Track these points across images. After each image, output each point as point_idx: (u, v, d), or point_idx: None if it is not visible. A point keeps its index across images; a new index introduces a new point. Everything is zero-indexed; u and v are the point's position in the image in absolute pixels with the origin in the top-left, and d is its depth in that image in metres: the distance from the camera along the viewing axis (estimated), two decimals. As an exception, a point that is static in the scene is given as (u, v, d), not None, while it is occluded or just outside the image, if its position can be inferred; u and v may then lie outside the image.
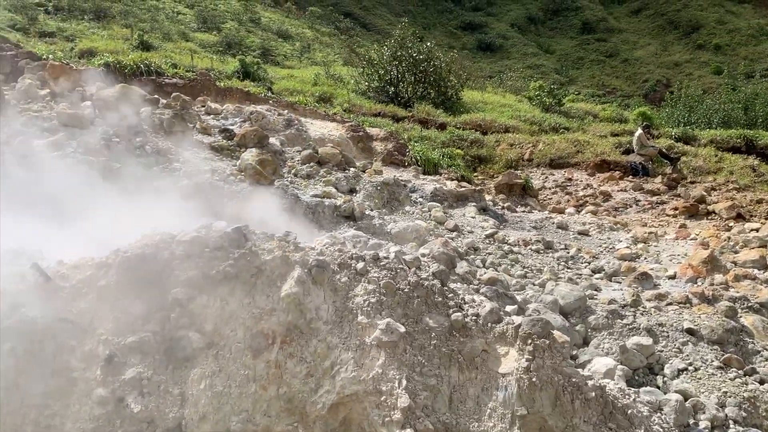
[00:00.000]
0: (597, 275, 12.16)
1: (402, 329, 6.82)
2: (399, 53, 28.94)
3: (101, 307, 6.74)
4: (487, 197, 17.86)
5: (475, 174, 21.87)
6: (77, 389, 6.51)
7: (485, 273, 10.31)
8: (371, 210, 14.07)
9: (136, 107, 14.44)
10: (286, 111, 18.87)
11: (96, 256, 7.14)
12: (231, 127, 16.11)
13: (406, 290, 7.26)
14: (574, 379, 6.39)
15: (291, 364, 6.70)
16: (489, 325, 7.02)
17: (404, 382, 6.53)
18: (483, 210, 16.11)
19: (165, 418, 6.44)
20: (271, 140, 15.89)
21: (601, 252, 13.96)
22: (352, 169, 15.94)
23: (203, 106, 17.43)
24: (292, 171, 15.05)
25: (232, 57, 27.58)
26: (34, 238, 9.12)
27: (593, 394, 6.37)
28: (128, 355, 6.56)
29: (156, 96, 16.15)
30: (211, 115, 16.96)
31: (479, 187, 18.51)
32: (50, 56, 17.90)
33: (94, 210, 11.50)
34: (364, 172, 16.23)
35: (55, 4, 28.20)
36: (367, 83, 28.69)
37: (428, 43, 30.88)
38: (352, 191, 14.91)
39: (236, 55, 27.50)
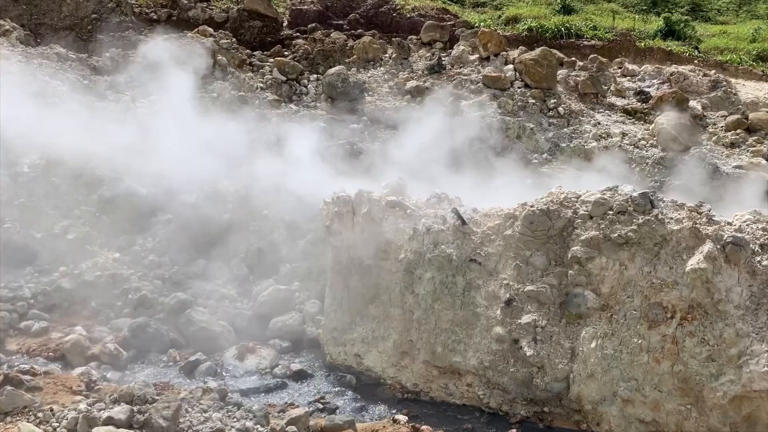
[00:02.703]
0: None
1: (840, 331, 5.68)
2: None
3: (505, 254, 7.32)
4: None
5: None
6: (479, 323, 7.27)
7: None
8: (815, 187, 11.80)
9: (553, 70, 14.84)
10: (713, 71, 16.94)
11: (504, 207, 7.73)
12: (647, 90, 15.29)
13: None
14: None
15: (690, 344, 6.23)
16: None
17: (836, 393, 5.47)
18: None
19: (554, 368, 6.72)
20: (691, 103, 14.55)
21: None
22: (791, 138, 13.53)
23: (619, 68, 16.90)
24: (713, 138, 13.58)
25: (656, 15, 25.83)
26: (454, 186, 10.35)
27: None
28: (525, 302, 7.01)
29: (573, 59, 16.30)
30: (627, 77, 16.34)
31: None
32: (481, 24, 19.62)
33: (503, 165, 12.41)
34: (808, 142, 13.61)
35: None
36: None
37: None
38: (788, 164, 12.72)
39: (661, 13, 25.68)
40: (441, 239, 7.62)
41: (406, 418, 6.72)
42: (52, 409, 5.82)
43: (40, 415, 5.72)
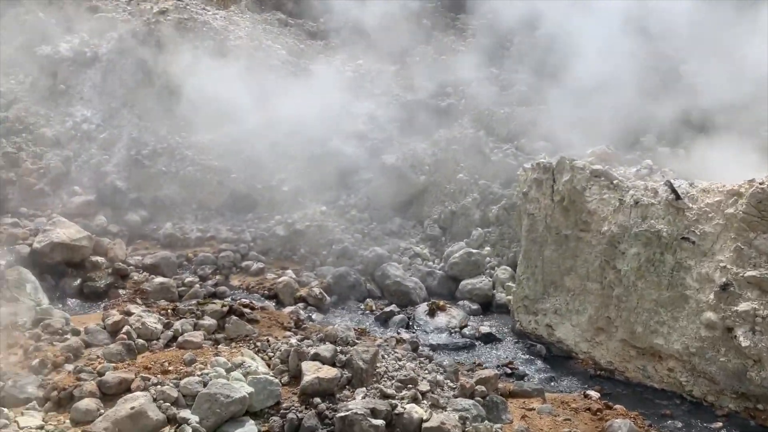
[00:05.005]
0: None
1: None
2: None
3: (724, 234, 6.63)
4: None
5: None
6: (687, 306, 6.72)
7: None
8: None
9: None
10: None
11: (727, 183, 6.98)
12: None
13: None
14: None
15: None
16: None
17: None
18: None
19: None
20: None
21: None
22: None
23: None
24: None
25: None
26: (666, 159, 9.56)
27: None
28: (745, 288, 6.32)
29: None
30: None
31: None
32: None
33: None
34: None
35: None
36: None
37: None
38: None
39: None
40: (650, 213, 7.12)
41: (599, 394, 6.52)
42: (268, 341, 6.52)
43: (258, 344, 6.44)
